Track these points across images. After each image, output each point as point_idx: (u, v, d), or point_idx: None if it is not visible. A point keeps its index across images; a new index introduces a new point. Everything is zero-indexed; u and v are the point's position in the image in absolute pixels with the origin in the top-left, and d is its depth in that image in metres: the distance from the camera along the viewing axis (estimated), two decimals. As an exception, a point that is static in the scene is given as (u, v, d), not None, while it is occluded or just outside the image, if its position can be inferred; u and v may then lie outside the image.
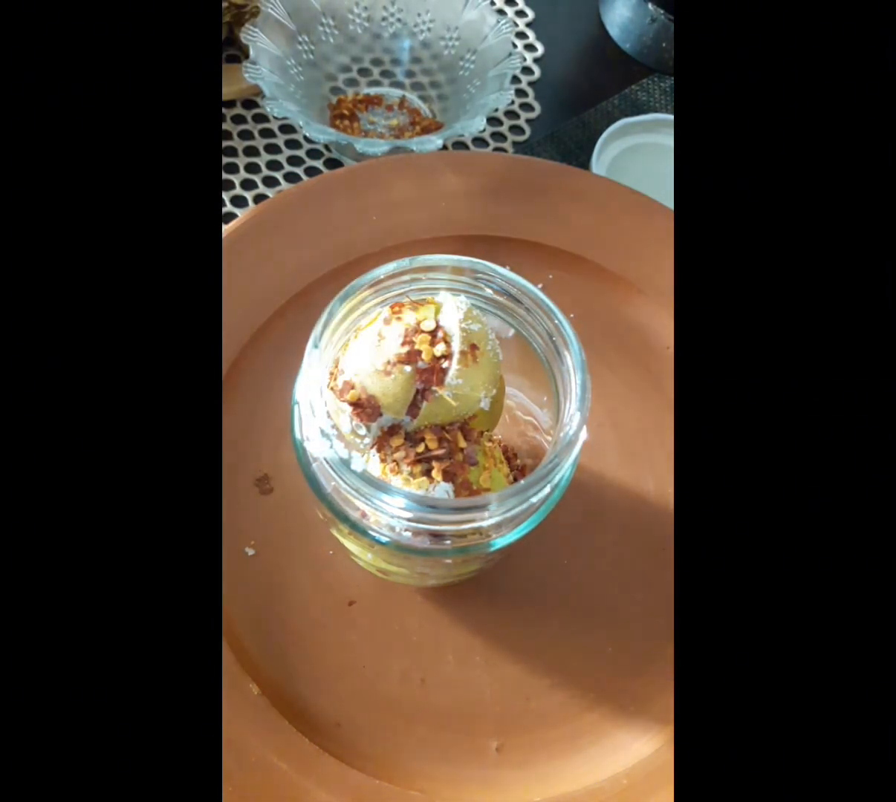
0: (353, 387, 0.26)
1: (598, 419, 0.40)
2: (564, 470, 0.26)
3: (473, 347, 0.27)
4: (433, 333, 0.27)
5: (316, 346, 0.25)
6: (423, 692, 0.34)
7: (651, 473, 0.39)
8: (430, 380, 0.26)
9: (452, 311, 0.27)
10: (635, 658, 0.35)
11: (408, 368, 0.26)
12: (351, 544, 0.32)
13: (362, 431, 0.27)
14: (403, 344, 0.26)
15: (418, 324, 0.26)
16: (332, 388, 0.26)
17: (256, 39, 0.47)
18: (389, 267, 0.27)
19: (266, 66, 0.47)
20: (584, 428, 0.25)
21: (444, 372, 0.26)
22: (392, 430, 0.27)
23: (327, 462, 0.24)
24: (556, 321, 0.27)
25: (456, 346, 0.27)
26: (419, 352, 0.26)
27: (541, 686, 0.34)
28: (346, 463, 0.24)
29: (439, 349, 0.26)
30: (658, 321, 0.42)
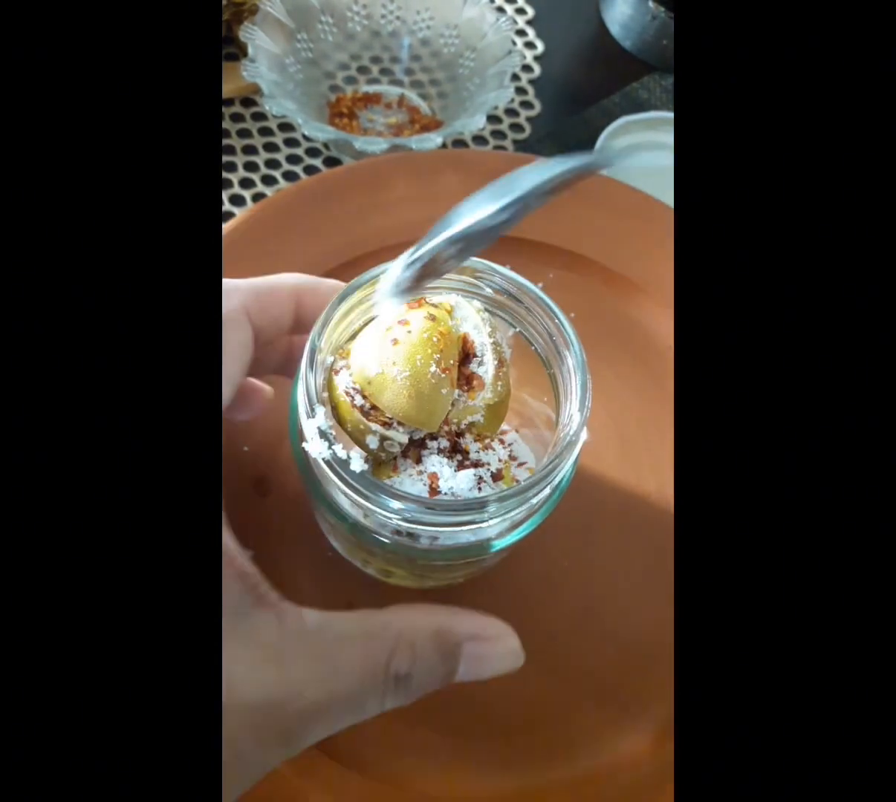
0: (380, 411, 0.26)
1: (598, 419, 0.39)
2: (565, 471, 0.26)
3: (501, 363, 0.27)
4: (465, 349, 0.27)
5: (315, 348, 0.25)
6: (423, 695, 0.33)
7: (651, 473, 0.38)
8: (463, 391, 0.27)
9: (478, 322, 0.27)
10: (636, 658, 0.35)
11: (444, 390, 0.26)
12: (350, 546, 0.32)
13: (394, 449, 0.26)
14: (438, 366, 0.25)
15: (446, 337, 0.26)
16: (360, 408, 0.26)
17: (255, 37, 0.47)
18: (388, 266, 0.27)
19: (264, 64, 0.47)
20: (585, 428, 0.25)
21: (476, 386, 0.27)
22: (420, 443, 0.27)
23: (327, 463, 0.24)
24: (557, 320, 0.27)
25: (489, 361, 0.27)
26: (460, 373, 0.27)
27: (541, 687, 0.34)
28: (345, 464, 0.24)
29: (474, 366, 0.27)
30: (659, 320, 0.42)
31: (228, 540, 0.25)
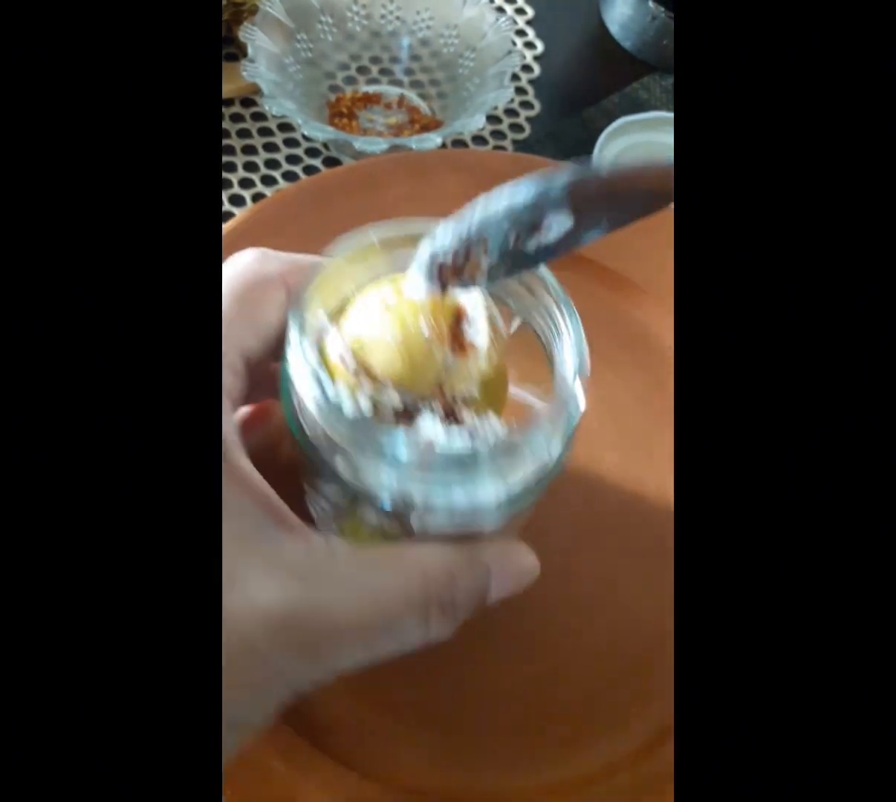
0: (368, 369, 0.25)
1: (598, 419, 0.39)
2: (565, 430, 0.26)
3: (495, 332, 0.27)
4: (457, 316, 0.26)
5: (301, 309, 0.25)
6: (423, 694, 0.33)
7: (651, 473, 0.38)
8: (456, 357, 0.26)
9: (474, 293, 0.27)
10: (635, 658, 0.35)
11: (436, 354, 0.25)
12: (346, 529, 0.32)
13: (387, 412, 0.26)
14: (430, 330, 0.25)
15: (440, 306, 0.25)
16: (353, 372, 0.25)
17: (255, 37, 0.47)
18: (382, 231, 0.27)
19: (264, 64, 0.47)
20: (582, 392, 0.25)
21: (469, 353, 0.26)
22: (413, 410, 0.26)
23: (320, 412, 0.24)
24: (549, 285, 0.26)
25: (482, 329, 0.26)
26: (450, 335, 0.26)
27: (541, 687, 0.34)
28: (338, 408, 0.23)
29: (467, 333, 0.26)
30: (659, 320, 0.42)
31: (246, 465, 0.24)
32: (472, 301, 0.27)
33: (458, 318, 0.27)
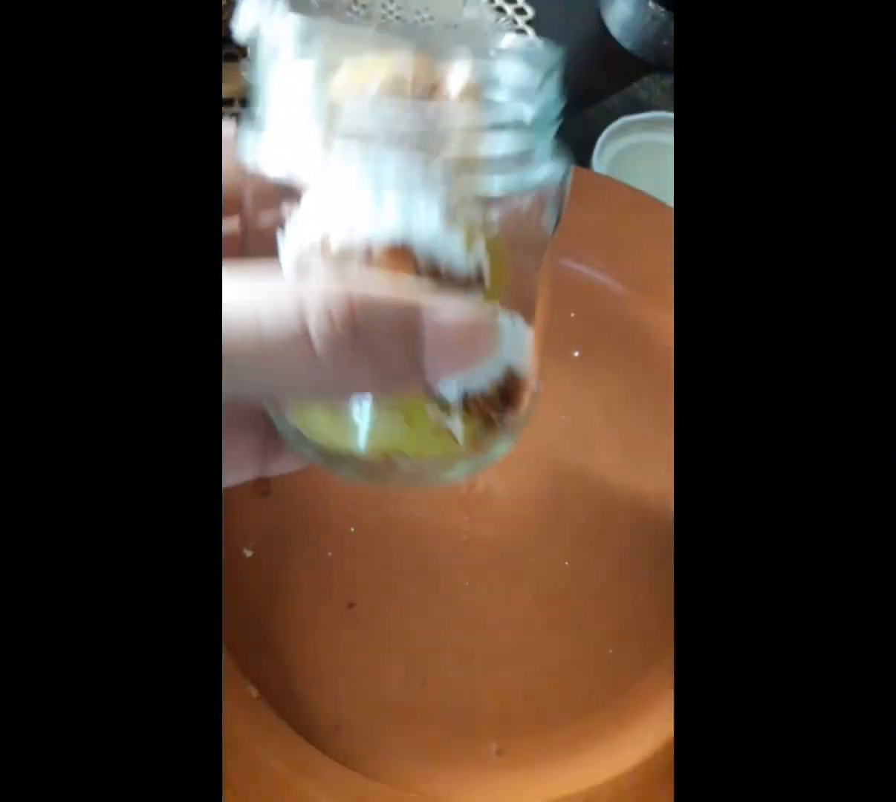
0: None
1: (598, 419, 0.39)
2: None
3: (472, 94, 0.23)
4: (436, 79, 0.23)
5: None
6: (423, 694, 0.34)
7: (651, 473, 0.39)
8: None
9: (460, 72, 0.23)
10: (636, 659, 0.35)
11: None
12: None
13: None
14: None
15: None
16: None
17: (255, 37, 0.47)
18: None
19: (264, 64, 0.47)
20: None
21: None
22: None
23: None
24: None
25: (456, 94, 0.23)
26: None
27: (541, 688, 0.34)
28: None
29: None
30: (659, 320, 0.42)
31: None
32: (455, 73, 0.23)
33: (435, 84, 0.23)
